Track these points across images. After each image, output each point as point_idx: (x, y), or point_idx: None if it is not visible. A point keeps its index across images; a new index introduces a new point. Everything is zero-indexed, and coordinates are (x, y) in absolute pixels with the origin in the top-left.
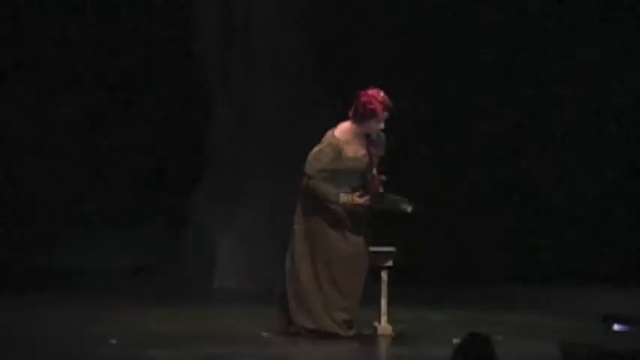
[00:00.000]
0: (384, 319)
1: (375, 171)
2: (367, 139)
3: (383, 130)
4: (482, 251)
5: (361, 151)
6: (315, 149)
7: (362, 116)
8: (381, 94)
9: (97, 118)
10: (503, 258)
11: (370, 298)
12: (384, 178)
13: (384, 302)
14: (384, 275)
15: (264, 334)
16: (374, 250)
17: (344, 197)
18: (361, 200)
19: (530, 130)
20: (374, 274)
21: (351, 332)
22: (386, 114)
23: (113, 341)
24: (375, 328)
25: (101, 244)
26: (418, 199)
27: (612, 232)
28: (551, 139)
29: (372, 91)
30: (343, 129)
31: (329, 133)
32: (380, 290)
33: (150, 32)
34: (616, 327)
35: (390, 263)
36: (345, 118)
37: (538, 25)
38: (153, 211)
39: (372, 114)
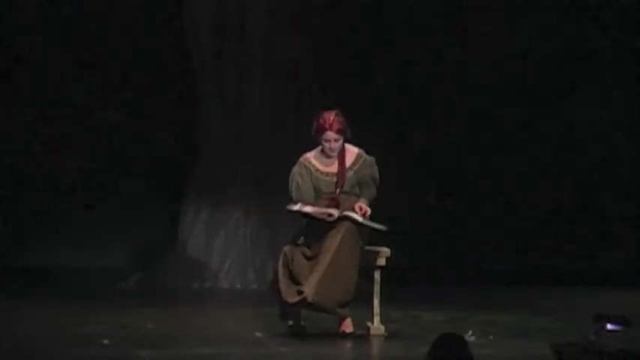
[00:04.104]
0: (376, 319)
1: (337, 192)
2: (339, 160)
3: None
4: (476, 252)
5: (329, 169)
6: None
7: (314, 134)
8: (330, 114)
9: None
10: (496, 258)
11: (363, 298)
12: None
13: (376, 302)
14: (376, 275)
15: (257, 334)
16: (367, 250)
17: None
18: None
19: (526, 134)
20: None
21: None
22: (331, 134)
23: (105, 341)
24: (368, 328)
25: (91, 244)
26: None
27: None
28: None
29: (326, 112)
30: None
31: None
32: (373, 290)
33: (143, 32)
34: (608, 327)
35: (382, 263)
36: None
37: None
38: (143, 210)
39: (317, 132)
